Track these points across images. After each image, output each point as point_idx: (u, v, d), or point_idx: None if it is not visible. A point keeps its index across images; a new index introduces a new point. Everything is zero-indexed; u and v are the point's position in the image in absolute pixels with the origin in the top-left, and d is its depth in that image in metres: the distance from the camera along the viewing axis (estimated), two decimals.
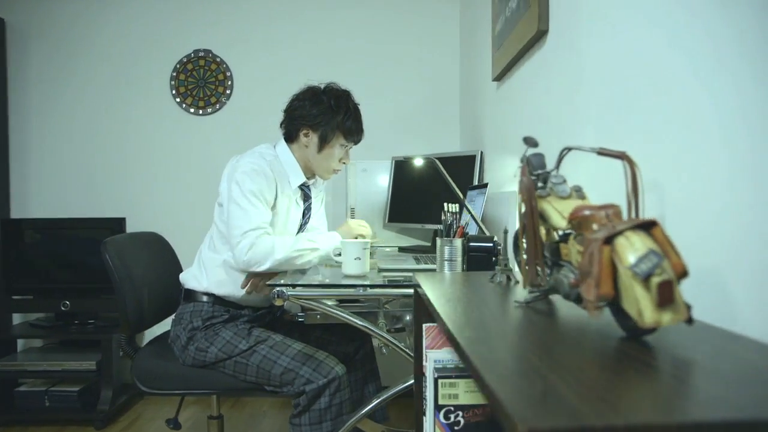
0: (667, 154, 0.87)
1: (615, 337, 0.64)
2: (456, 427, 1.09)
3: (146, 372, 1.62)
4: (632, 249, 0.58)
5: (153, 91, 2.80)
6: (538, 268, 0.77)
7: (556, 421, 0.39)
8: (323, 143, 1.76)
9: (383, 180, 2.57)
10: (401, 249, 2.48)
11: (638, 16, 0.96)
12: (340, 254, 1.61)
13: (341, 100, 1.78)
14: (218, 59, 2.79)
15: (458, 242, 1.45)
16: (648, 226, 0.60)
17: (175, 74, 2.79)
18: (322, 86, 1.83)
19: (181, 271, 2.01)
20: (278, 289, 1.38)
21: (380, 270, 1.69)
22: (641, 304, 0.56)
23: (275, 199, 1.69)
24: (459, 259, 1.45)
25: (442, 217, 1.50)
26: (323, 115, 1.74)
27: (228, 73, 2.80)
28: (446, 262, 1.45)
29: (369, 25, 2.84)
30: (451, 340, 0.68)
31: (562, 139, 1.27)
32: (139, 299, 1.67)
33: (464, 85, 2.76)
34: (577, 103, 1.20)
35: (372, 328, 1.45)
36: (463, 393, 1.10)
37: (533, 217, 0.74)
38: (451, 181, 1.66)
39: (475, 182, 2.17)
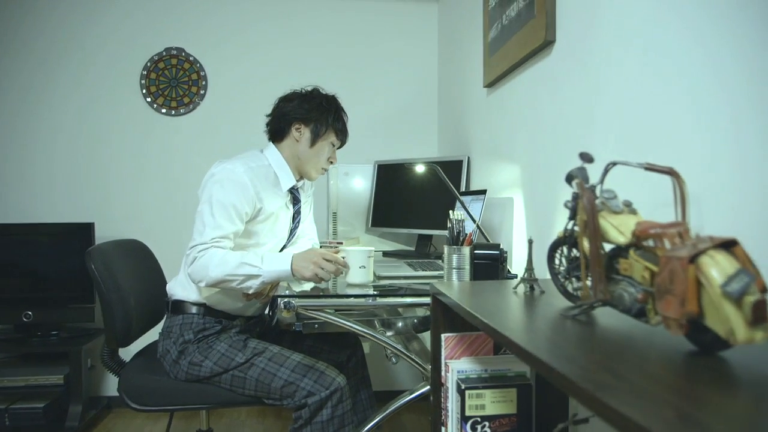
0: (695, 164, 0.90)
1: (683, 351, 0.65)
2: None
3: (136, 389, 1.54)
4: (719, 268, 0.59)
5: (122, 90, 2.67)
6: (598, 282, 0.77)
7: None
8: (316, 137, 1.73)
9: (363, 184, 2.55)
10: (385, 254, 2.47)
11: (654, 30, 0.99)
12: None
13: (331, 100, 1.78)
14: (191, 58, 2.69)
15: (466, 250, 1.44)
16: (729, 245, 0.61)
17: (145, 73, 2.66)
18: (309, 89, 1.80)
19: (164, 280, 1.93)
20: (285, 300, 1.34)
21: (380, 277, 1.67)
22: (733, 323, 0.57)
23: (260, 208, 1.64)
24: (467, 267, 1.45)
25: (448, 225, 1.49)
26: (315, 111, 1.72)
27: (202, 73, 2.70)
28: (455, 270, 1.45)
29: (347, 30, 2.81)
30: (524, 354, 0.67)
31: (574, 148, 1.28)
32: (127, 310, 1.59)
33: (444, 91, 2.77)
34: (592, 113, 1.22)
35: (382, 338, 1.42)
36: (490, 403, 1.10)
37: (597, 234, 0.74)
38: (453, 189, 1.66)
39: (463, 188, 2.19)
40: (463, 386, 1.09)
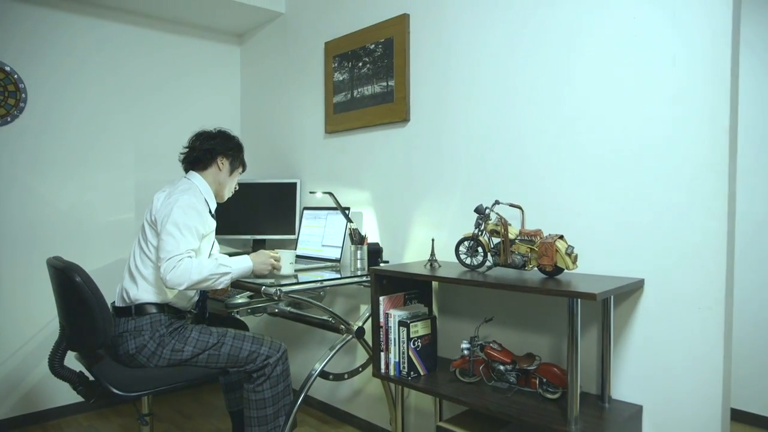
0: (520, 197, 2.01)
1: (541, 277, 1.73)
2: (417, 349, 1.99)
3: (127, 380, 1.81)
4: (563, 244, 1.68)
5: None
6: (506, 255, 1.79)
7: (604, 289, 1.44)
8: (233, 168, 2.25)
9: None
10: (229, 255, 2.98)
11: (486, 115, 2.08)
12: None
13: (238, 140, 2.32)
14: (7, 68, 2.58)
15: (365, 247, 2.29)
16: (561, 237, 1.71)
17: None
18: (217, 130, 2.29)
19: None
20: (276, 289, 1.93)
21: (296, 270, 2.34)
22: (568, 263, 1.66)
23: (208, 228, 2.10)
24: (366, 258, 2.29)
25: (348, 232, 2.30)
26: (234, 149, 2.25)
27: (21, 85, 2.61)
28: (358, 260, 2.28)
29: (159, 61, 3.12)
30: (469, 283, 1.62)
31: (424, 188, 2.28)
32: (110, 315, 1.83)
33: (257, 125, 3.39)
34: (441, 165, 2.24)
35: (329, 309, 2.13)
36: (420, 329, 2.01)
37: (507, 234, 1.76)
38: (342, 207, 2.45)
39: (298, 205, 2.94)
40: (408, 322, 1.97)
